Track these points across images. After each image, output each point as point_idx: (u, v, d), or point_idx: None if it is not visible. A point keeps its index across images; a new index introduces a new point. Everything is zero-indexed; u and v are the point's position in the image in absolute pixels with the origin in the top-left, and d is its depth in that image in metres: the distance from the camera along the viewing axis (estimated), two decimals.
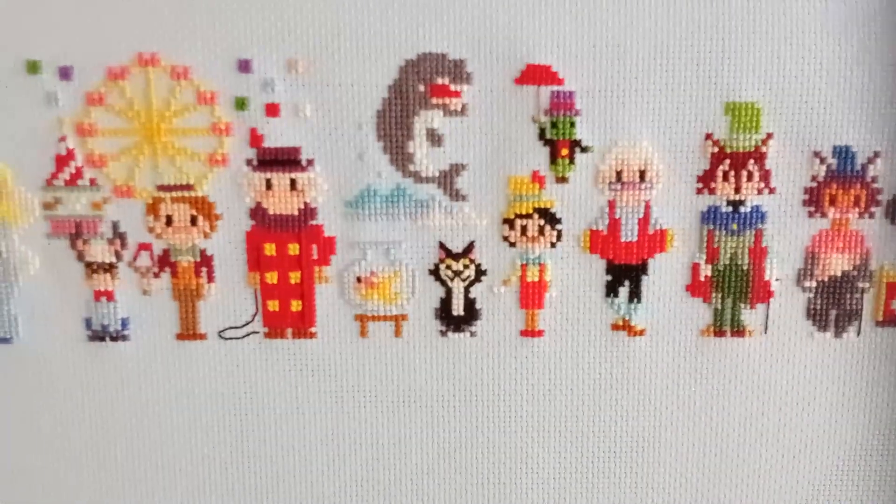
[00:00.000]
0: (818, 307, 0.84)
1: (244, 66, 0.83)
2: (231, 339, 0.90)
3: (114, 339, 0.90)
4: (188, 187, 0.86)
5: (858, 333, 0.85)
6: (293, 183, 0.84)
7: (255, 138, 0.85)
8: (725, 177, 0.82)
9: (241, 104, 0.84)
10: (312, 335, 0.89)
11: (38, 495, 0.92)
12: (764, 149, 0.81)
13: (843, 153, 0.81)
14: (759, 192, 0.82)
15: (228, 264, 0.89)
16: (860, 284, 0.84)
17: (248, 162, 0.86)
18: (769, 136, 0.81)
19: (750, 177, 0.82)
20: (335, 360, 0.90)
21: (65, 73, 0.83)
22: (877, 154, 0.80)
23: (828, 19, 0.79)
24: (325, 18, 0.82)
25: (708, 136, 0.81)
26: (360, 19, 0.81)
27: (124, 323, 0.91)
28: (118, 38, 0.83)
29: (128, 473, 0.95)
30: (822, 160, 0.81)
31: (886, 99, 0.79)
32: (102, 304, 0.89)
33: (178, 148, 0.85)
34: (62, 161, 0.85)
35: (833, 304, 0.84)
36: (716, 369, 0.87)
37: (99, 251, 0.88)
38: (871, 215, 0.82)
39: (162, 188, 0.87)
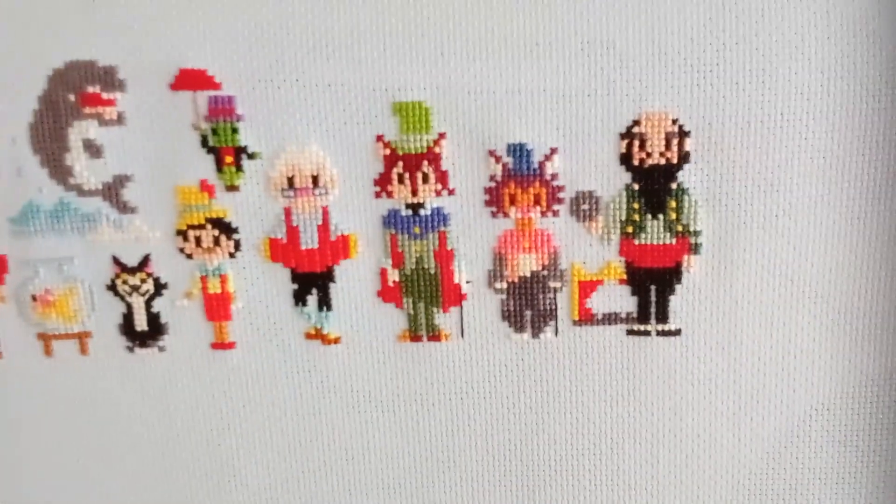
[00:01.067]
0: (512, 308, 0.81)
1: None
2: None
3: None
4: None
5: (556, 333, 0.80)
6: None
7: None
8: (401, 179, 0.77)
9: None
10: None
11: None
12: (437, 149, 0.77)
13: (518, 151, 0.76)
14: (438, 193, 0.78)
15: None
16: (552, 284, 0.79)
17: None
18: (441, 135, 0.76)
19: (426, 178, 0.77)
20: (22, 381, 0.87)
21: None
22: (553, 151, 0.75)
23: (492, 14, 0.73)
24: None
25: (379, 139, 0.76)
26: (1, 28, 0.74)
27: None
28: None
29: None
30: (498, 159, 0.76)
31: (558, 94, 0.74)
32: None
33: None
34: None
35: (527, 305, 0.80)
36: (416, 374, 0.85)
37: None
38: (556, 213, 0.77)
39: None
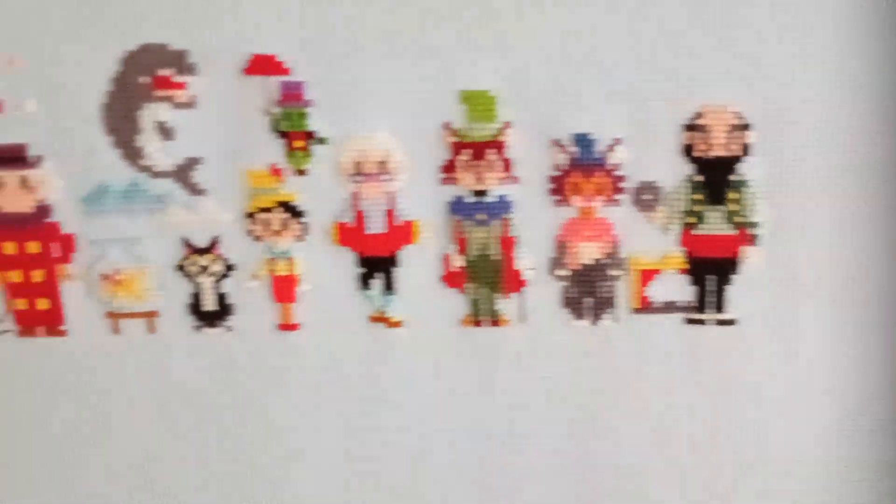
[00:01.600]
0: (573, 295, 0.82)
1: None
2: None
3: None
4: None
5: (616, 321, 0.82)
6: (24, 180, 0.80)
7: None
8: (467, 167, 0.79)
9: None
10: (63, 333, 0.85)
11: None
12: (503, 138, 0.78)
13: (583, 141, 0.77)
14: (503, 181, 0.79)
15: None
16: (612, 272, 0.81)
17: None
18: (507, 124, 0.78)
19: (491, 166, 0.79)
20: (89, 358, 0.89)
21: None
22: (617, 141, 0.76)
23: (557, 4, 0.75)
24: (38, 11, 0.78)
25: (446, 126, 0.77)
26: (76, 10, 0.79)
27: None
28: None
29: None
30: (563, 148, 0.77)
31: (622, 85, 0.76)
32: None
33: None
34: None
35: (587, 292, 0.82)
36: (477, 358, 0.86)
37: None
38: (617, 203, 0.78)
39: None
